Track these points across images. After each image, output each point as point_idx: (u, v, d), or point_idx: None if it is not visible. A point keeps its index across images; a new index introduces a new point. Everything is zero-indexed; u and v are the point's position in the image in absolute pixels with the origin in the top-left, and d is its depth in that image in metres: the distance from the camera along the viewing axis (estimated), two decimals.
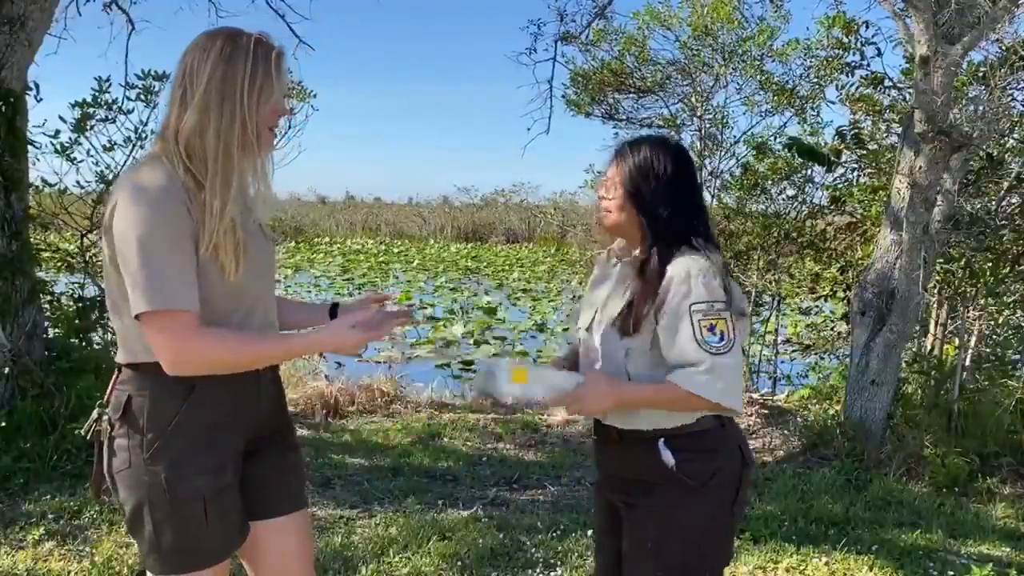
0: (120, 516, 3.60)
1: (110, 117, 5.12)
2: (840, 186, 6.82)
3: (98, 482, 1.73)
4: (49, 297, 4.92)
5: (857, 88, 5.94)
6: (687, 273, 1.74)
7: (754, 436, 5.63)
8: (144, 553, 1.68)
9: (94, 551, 3.25)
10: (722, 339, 1.71)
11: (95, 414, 1.70)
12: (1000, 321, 6.20)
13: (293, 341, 1.71)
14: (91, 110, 5.02)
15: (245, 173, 1.65)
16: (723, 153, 7.74)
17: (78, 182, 5.22)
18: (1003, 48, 4.92)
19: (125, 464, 1.64)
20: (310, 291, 15.80)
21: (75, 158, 5.05)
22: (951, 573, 3.40)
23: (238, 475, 1.73)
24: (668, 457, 1.79)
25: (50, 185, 5.08)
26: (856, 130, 6.17)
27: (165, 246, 1.53)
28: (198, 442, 1.63)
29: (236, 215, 1.60)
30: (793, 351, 8.65)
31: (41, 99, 4.55)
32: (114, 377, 1.69)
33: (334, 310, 1.98)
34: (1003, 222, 5.66)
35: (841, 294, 6.58)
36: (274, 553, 1.83)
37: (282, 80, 1.67)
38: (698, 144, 7.66)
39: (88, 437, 1.71)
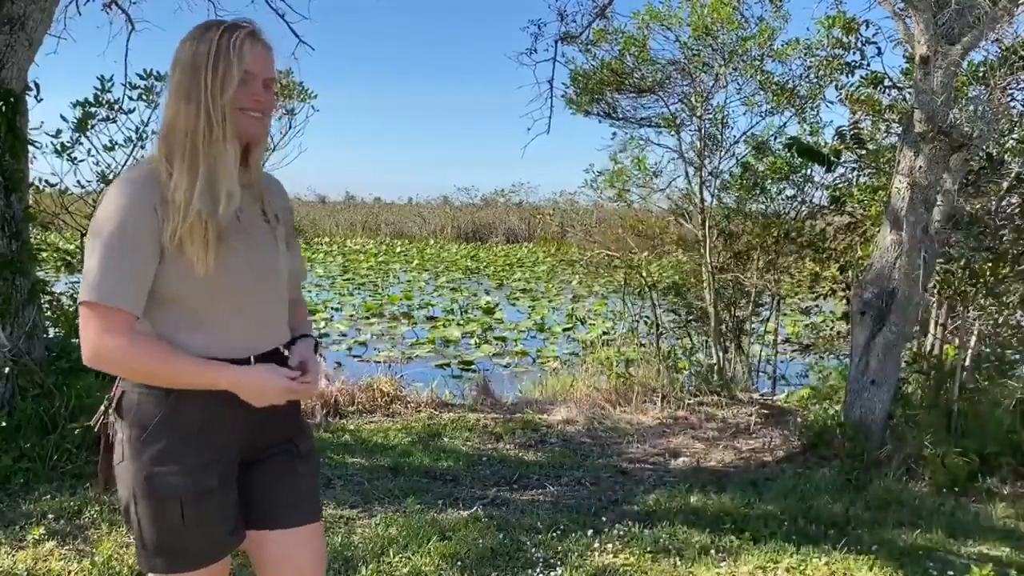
0: (120, 516, 3.61)
1: (111, 117, 5.13)
2: (840, 186, 6.82)
3: (105, 475, 1.73)
4: (49, 297, 4.92)
5: (857, 88, 5.94)
6: None
7: (754, 436, 5.63)
8: (137, 551, 1.70)
9: (94, 551, 3.25)
10: None
11: (102, 407, 1.71)
12: (1000, 321, 6.20)
13: (214, 371, 1.62)
14: (92, 110, 5.03)
15: (216, 164, 1.60)
16: (723, 153, 7.74)
17: (78, 182, 5.23)
18: (1003, 48, 4.92)
19: (120, 458, 1.66)
20: (311, 291, 15.80)
21: (76, 158, 5.06)
22: (951, 573, 3.40)
23: (229, 480, 1.71)
24: None
25: (50, 185, 5.08)
26: (856, 130, 6.17)
27: (116, 242, 1.54)
28: (180, 442, 1.63)
29: (204, 208, 1.57)
30: (793, 351, 8.65)
31: (41, 99, 4.55)
32: None
33: (296, 340, 1.85)
34: (1003, 222, 5.66)
35: (841, 294, 6.58)
36: (282, 566, 1.79)
37: (245, 61, 1.60)
38: (698, 144, 7.66)
39: (96, 430, 1.72)
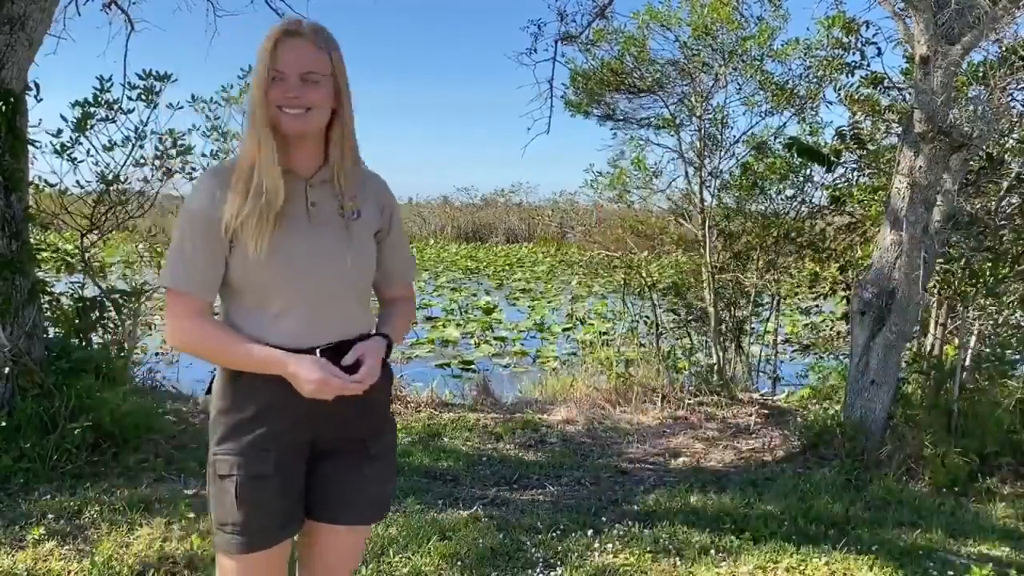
0: (120, 516, 3.61)
1: (110, 117, 5.13)
2: (840, 186, 6.82)
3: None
4: (49, 297, 4.92)
5: (857, 88, 5.94)
6: None
7: (754, 436, 5.63)
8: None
9: (94, 551, 3.25)
10: None
11: (205, 392, 1.85)
12: (1000, 321, 6.20)
13: (260, 352, 1.68)
14: (92, 110, 5.03)
15: (261, 158, 1.67)
16: (723, 153, 7.75)
17: (78, 182, 5.23)
18: (1003, 48, 4.92)
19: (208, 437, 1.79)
20: None
21: (75, 158, 5.06)
22: (951, 573, 3.39)
23: (289, 470, 1.74)
24: None
25: (50, 185, 5.09)
26: (856, 130, 6.18)
27: (186, 231, 1.68)
28: (238, 426, 1.71)
29: (255, 199, 1.65)
30: (793, 351, 8.66)
31: (41, 99, 4.55)
32: None
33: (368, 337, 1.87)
34: (1003, 222, 5.66)
35: (841, 294, 6.58)
36: (317, 553, 1.88)
37: (276, 61, 1.66)
38: (697, 144, 7.66)
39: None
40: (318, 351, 1.71)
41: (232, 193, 1.66)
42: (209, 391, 1.80)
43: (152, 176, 5.42)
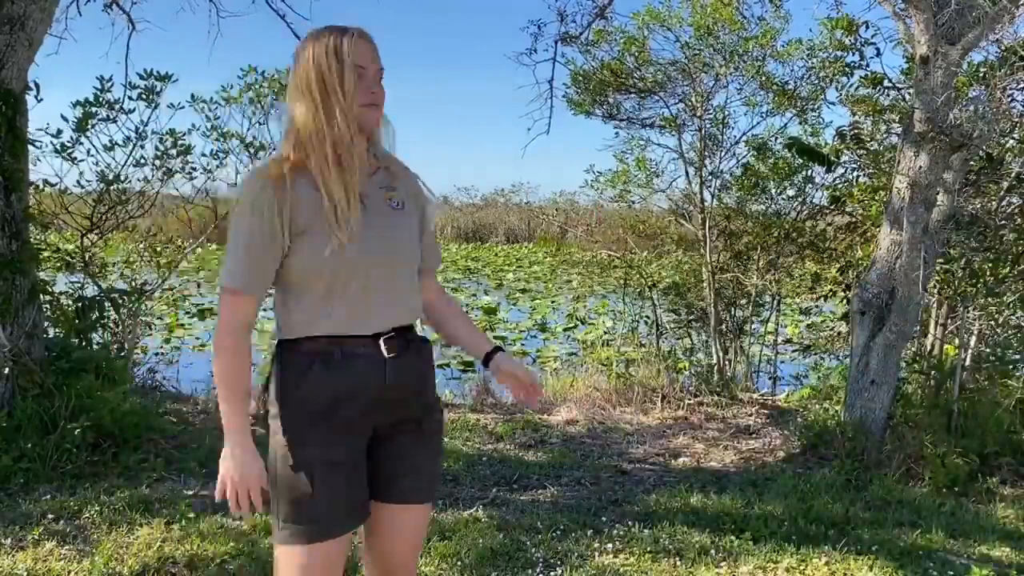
0: (120, 516, 3.61)
1: (111, 117, 5.13)
2: (840, 186, 6.82)
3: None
4: (49, 297, 4.92)
5: (857, 88, 5.94)
6: None
7: (754, 436, 5.64)
8: (272, 522, 1.80)
9: (94, 551, 3.25)
10: None
11: (261, 385, 1.85)
12: (1000, 321, 6.20)
13: (234, 416, 1.75)
14: (93, 109, 5.03)
15: (345, 157, 1.75)
16: (723, 153, 7.75)
17: (78, 182, 5.23)
18: (1003, 48, 4.91)
19: (269, 433, 1.79)
20: None
21: (76, 158, 5.06)
22: (951, 573, 3.39)
23: (357, 457, 1.80)
24: None
25: (51, 185, 5.09)
26: (856, 130, 6.18)
27: (248, 230, 1.70)
28: (314, 416, 1.73)
29: (336, 198, 1.71)
30: (793, 351, 8.66)
31: (41, 99, 4.55)
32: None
33: (491, 355, 1.99)
34: (1003, 222, 5.66)
35: (841, 294, 6.58)
36: (384, 536, 1.90)
37: (356, 56, 1.75)
38: (698, 144, 7.66)
39: (257, 407, 1.87)
40: (382, 340, 1.78)
41: (298, 189, 1.70)
42: (266, 386, 1.81)
43: (152, 176, 5.42)
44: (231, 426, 1.74)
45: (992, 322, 6.13)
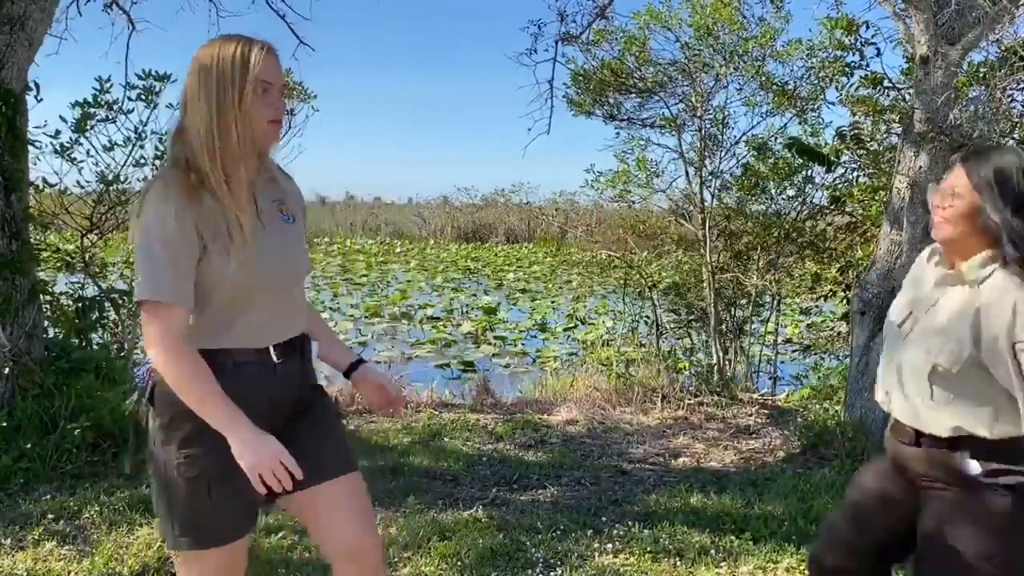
0: (120, 516, 3.61)
1: (111, 117, 5.13)
2: (840, 186, 6.82)
3: (134, 460, 1.86)
4: (49, 297, 4.92)
5: (857, 88, 5.94)
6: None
7: (754, 436, 5.63)
8: (161, 532, 1.83)
9: (94, 551, 3.25)
10: None
11: (134, 396, 1.85)
12: None
13: (223, 410, 1.68)
14: (92, 110, 5.03)
15: (241, 170, 1.75)
16: (723, 153, 7.75)
17: (78, 182, 5.22)
18: (1003, 48, 4.92)
19: (152, 444, 1.79)
20: (309, 291, 15.80)
21: (75, 158, 5.06)
22: None
23: None
24: (973, 466, 1.79)
25: (50, 185, 5.08)
26: (856, 130, 6.18)
27: (164, 239, 1.66)
28: (206, 426, 1.70)
29: (233, 211, 1.71)
30: (793, 351, 8.66)
31: (41, 99, 4.55)
32: (149, 366, 1.79)
33: (354, 367, 2.07)
34: None
35: (841, 294, 6.58)
36: (331, 519, 1.90)
37: (265, 73, 1.75)
38: (698, 144, 7.66)
39: (130, 417, 1.85)
40: (271, 348, 1.81)
41: (202, 200, 1.68)
42: (149, 397, 1.78)
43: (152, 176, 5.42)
44: (225, 419, 1.68)
45: None
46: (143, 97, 5.19)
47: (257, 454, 1.66)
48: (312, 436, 1.91)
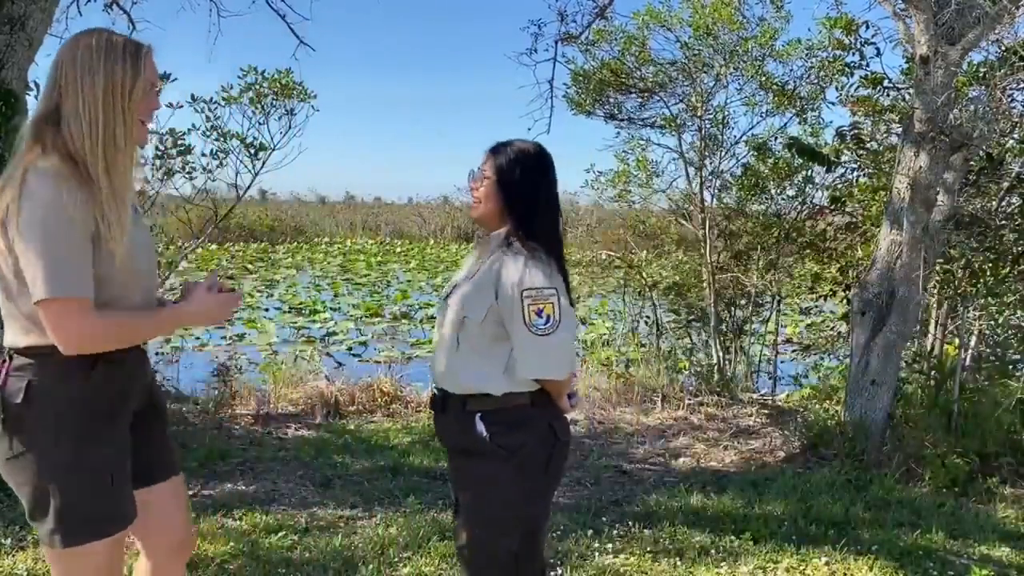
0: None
1: None
2: (840, 186, 6.81)
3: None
4: None
5: (856, 88, 5.93)
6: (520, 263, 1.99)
7: (754, 436, 5.63)
8: (49, 532, 1.73)
9: None
10: (548, 321, 1.98)
11: None
12: (1000, 321, 6.20)
13: (162, 315, 1.86)
14: None
15: (128, 165, 1.79)
16: (723, 153, 7.75)
17: None
18: (1003, 48, 4.92)
19: (21, 448, 1.71)
20: (308, 290, 15.80)
21: None
22: (951, 573, 3.40)
23: (130, 445, 1.88)
24: (482, 430, 2.03)
25: None
26: (856, 130, 6.17)
27: (63, 235, 1.63)
28: (102, 416, 1.76)
29: (122, 204, 1.74)
30: (793, 351, 8.65)
31: None
32: (5, 365, 1.73)
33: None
34: (1003, 222, 5.66)
35: (841, 294, 6.58)
36: (168, 513, 2.00)
37: (151, 71, 1.80)
38: (698, 144, 7.66)
39: None
40: None
41: (90, 194, 1.67)
42: (25, 400, 1.69)
43: (152, 176, 5.41)
44: (170, 319, 1.89)
45: (992, 322, 6.13)
46: None
47: (211, 314, 1.88)
48: (159, 431, 2.02)
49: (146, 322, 1.84)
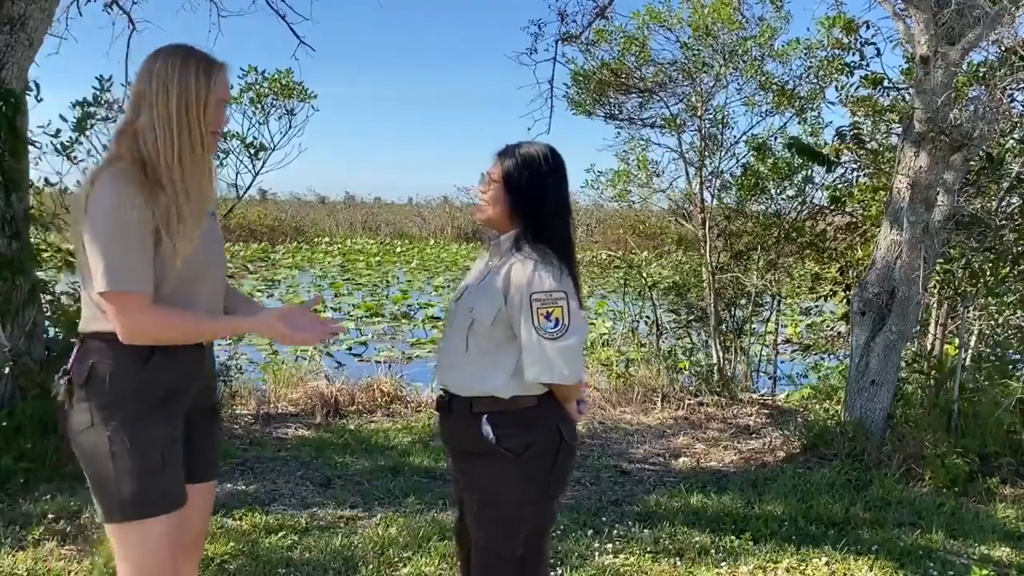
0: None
1: (111, 116, 5.12)
2: (840, 186, 6.81)
3: (68, 444, 1.95)
4: (49, 297, 4.92)
5: (856, 88, 5.93)
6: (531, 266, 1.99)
7: (754, 436, 5.63)
8: (106, 507, 1.87)
9: (94, 551, 3.25)
10: (557, 324, 1.97)
11: (58, 380, 1.89)
12: (1000, 321, 6.20)
13: (223, 320, 2.02)
14: (92, 109, 5.03)
15: (204, 175, 1.92)
16: (723, 153, 7.74)
17: (79, 182, 5.22)
18: (1003, 48, 4.91)
19: (87, 423, 1.86)
20: (309, 291, 15.80)
21: (76, 157, 5.05)
22: (951, 573, 3.40)
23: (181, 435, 1.96)
24: (488, 431, 2.02)
25: (51, 185, 5.08)
26: (856, 130, 6.17)
27: (125, 234, 1.76)
28: (154, 400, 1.87)
29: (195, 211, 1.86)
30: (793, 351, 8.65)
31: (41, 99, 4.54)
32: (77, 347, 1.90)
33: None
34: (1003, 222, 5.65)
35: (841, 294, 6.58)
36: (194, 513, 2.04)
37: (226, 86, 1.93)
38: (698, 144, 7.66)
39: (59, 403, 1.91)
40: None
41: (152, 196, 1.78)
42: (89, 377, 1.84)
43: None
44: (228, 325, 2.09)
45: (992, 322, 6.13)
46: None
47: (284, 316, 1.91)
48: (212, 434, 2.13)
49: (203, 322, 1.93)
